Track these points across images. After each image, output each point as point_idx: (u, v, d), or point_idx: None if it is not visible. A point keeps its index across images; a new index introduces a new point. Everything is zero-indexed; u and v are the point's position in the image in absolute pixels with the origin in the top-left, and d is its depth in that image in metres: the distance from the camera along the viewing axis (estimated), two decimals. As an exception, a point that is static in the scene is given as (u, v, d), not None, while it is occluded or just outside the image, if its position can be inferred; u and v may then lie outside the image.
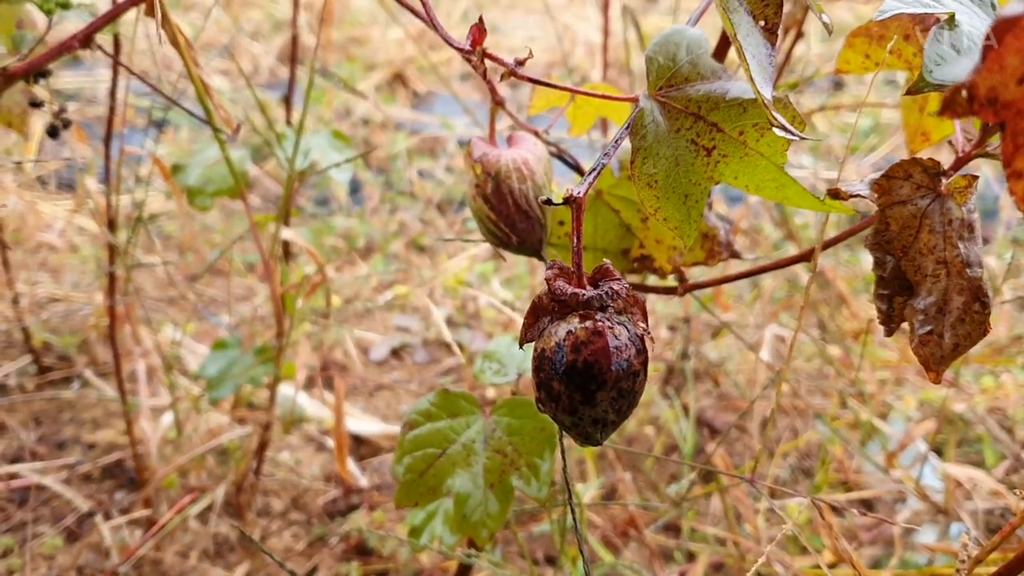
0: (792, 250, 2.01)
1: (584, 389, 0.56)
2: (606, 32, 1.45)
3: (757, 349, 1.74)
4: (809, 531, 1.48)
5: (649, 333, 0.58)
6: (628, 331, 0.57)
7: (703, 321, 2.03)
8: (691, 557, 1.46)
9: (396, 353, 2.14)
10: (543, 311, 0.59)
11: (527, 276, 2.28)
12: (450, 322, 2.19)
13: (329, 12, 1.16)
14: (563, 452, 0.69)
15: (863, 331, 1.85)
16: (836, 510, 1.46)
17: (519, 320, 1.58)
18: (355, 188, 2.78)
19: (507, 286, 2.30)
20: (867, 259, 2.21)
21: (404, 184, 2.82)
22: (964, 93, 0.38)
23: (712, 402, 1.84)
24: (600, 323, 0.56)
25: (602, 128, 1.51)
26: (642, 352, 0.57)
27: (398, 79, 3.41)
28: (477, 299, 2.23)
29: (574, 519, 0.65)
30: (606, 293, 0.57)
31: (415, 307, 2.29)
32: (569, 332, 0.56)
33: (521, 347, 0.60)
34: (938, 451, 1.64)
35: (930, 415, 1.70)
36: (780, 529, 1.45)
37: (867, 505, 1.56)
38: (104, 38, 1.02)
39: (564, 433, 0.79)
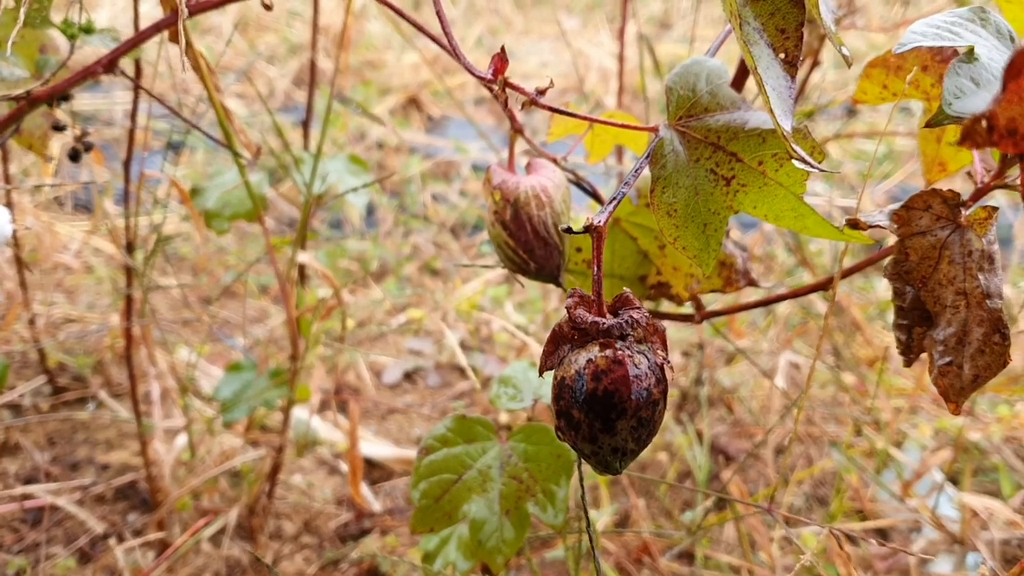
0: (806, 277, 2.01)
1: (604, 418, 0.56)
2: (622, 58, 1.46)
3: (772, 376, 1.73)
4: (824, 560, 1.47)
5: (669, 362, 0.58)
6: (648, 360, 0.57)
7: (716, 347, 2.03)
8: (704, 585, 1.46)
9: (409, 377, 2.14)
10: (563, 339, 0.60)
11: (540, 301, 2.28)
12: (463, 346, 2.19)
13: (347, 37, 1.18)
14: (581, 480, 0.69)
15: (877, 359, 1.84)
16: (852, 539, 1.46)
17: (533, 345, 1.58)
18: (369, 211, 2.79)
19: (520, 310, 2.30)
20: (881, 286, 2.21)
21: (418, 207, 2.83)
22: (984, 124, 0.39)
23: (726, 429, 1.83)
24: (620, 352, 0.56)
25: (617, 156, 1.52)
26: (662, 381, 0.58)
27: (412, 103, 3.43)
28: (490, 323, 2.23)
29: (592, 545, 0.65)
30: (626, 322, 0.58)
31: (428, 331, 2.29)
32: (589, 361, 0.56)
33: (541, 375, 0.60)
34: (953, 480, 1.63)
35: (945, 444, 1.69)
36: (794, 558, 1.44)
37: (882, 534, 1.55)
38: (125, 63, 1.03)
39: (583, 461, 0.79)
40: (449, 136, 3.23)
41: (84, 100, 3.02)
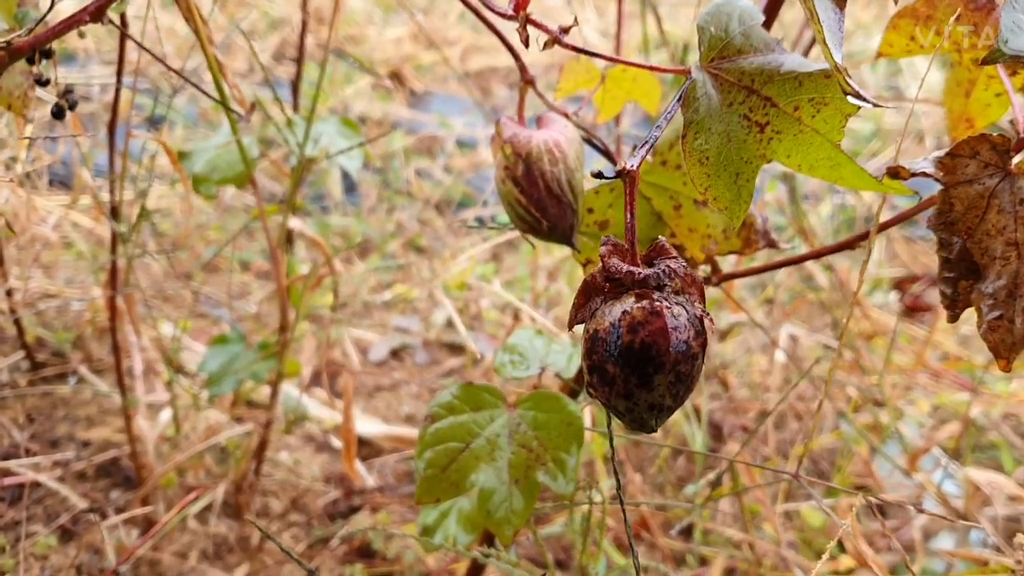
0: (803, 249, 1.98)
1: (641, 372, 0.52)
2: (619, 22, 1.42)
3: (772, 350, 1.71)
4: (824, 537, 1.45)
5: (708, 314, 0.55)
6: (687, 312, 0.53)
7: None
8: (704, 561, 1.43)
9: (396, 354, 2.10)
10: (595, 290, 0.56)
11: (528, 279, 2.24)
12: (451, 324, 2.15)
13: (337, 5, 1.13)
14: (611, 441, 0.66)
15: (876, 333, 1.82)
16: (856, 513, 1.44)
17: (527, 316, 1.55)
18: (351, 187, 2.74)
19: (508, 288, 2.26)
20: (870, 262, 2.18)
21: (401, 183, 2.78)
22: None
23: (721, 404, 1.80)
24: (658, 303, 0.53)
25: (616, 120, 1.48)
26: (701, 334, 0.54)
27: (395, 78, 3.38)
28: (479, 301, 2.20)
29: (623, 512, 0.61)
30: (663, 271, 0.54)
31: (415, 308, 2.25)
32: (625, 312, 0.53)
33: (571, 329, 0.56)
34: (954, 456, 1.61)
35: (944, 420, 1.67)
36: (796, 533, 1.42)
37: (882, 510, 1.53)
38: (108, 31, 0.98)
39: (611, 423, 0.76)
40: (433, 111, 3.18)
41: (60, 73, 2.94)
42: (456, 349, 2.12)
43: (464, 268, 2.27)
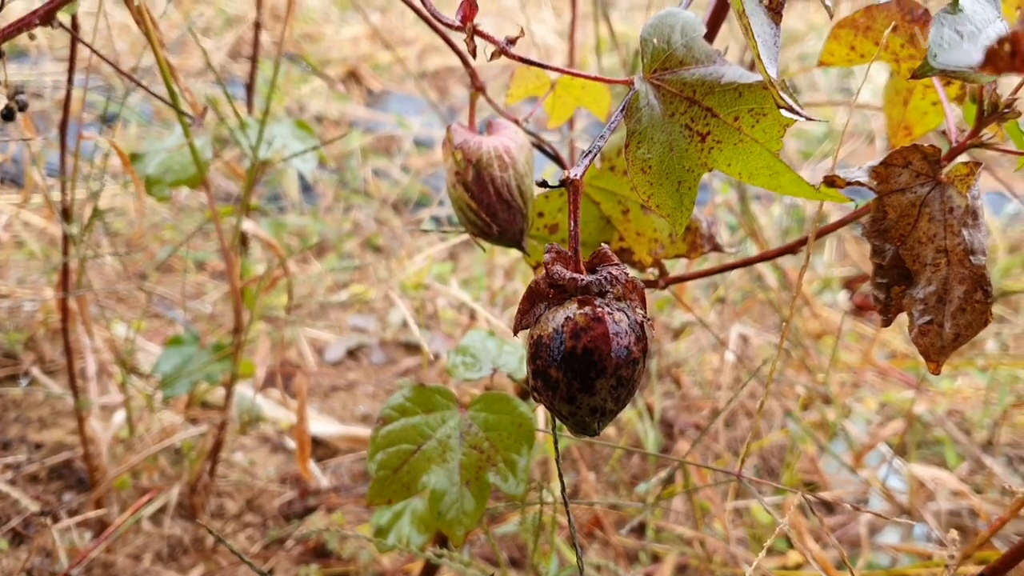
0: (754, 250, 2.01)
1: (583, 377, 0.54)
2: (573, 23, 1.43)
3: (723, 349, 1.73)
4: (770, 533, 1.47)
5: (649, 319, 0.56)
6: (628, 317, 0.55)
7: (660, 324, 2.03)
8: (656, 558, 1.45)
9: (352, 354, 2.10)
10: (539, 296, 0.57)
11: (485, 278, 2.25)
12: (408, 324, 2.16)
13: (291, 3, 1.13)
14: (556, 444, 0.67)
15: (825, 332, 1.85)
16: (803, 510, 1.46)
17: (482, 318, 1.56)
18: (308, 186, 2.74)
19: (465, 288, 2.27)
20: (821, 263, 2.22)
21: (359, 183, 2.78)
22: (1007, 48, 0.37)
23: (674, 403, 1.83)
24: (599, 309, 0.54)
25: (569, 125, 1.49)
26: (642, 339, 0.56)
27: (352, 77, 3.37)
28: (435, 300, 2.20)
29: (567, 514, 0.63)
30: (605, 278, 0.55)
31: (372, 307, 2.25)
32: (568, 318, 0.54)
33: (516, 334, 0.57)
34: (899, 453, 1.64)
35: (891, 417, 1.70)
36: (747, 529, 1.44)
37: (828, 506, 1.55)
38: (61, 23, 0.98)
39: (556, 425, 0.77)
40: (390, 110, 3.18)
41: (11, 71, 2.90)
42: (413, 349, 2.12)
43: (421, 267, 2.28)
